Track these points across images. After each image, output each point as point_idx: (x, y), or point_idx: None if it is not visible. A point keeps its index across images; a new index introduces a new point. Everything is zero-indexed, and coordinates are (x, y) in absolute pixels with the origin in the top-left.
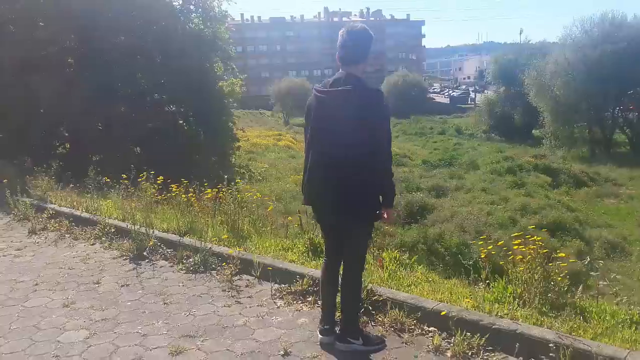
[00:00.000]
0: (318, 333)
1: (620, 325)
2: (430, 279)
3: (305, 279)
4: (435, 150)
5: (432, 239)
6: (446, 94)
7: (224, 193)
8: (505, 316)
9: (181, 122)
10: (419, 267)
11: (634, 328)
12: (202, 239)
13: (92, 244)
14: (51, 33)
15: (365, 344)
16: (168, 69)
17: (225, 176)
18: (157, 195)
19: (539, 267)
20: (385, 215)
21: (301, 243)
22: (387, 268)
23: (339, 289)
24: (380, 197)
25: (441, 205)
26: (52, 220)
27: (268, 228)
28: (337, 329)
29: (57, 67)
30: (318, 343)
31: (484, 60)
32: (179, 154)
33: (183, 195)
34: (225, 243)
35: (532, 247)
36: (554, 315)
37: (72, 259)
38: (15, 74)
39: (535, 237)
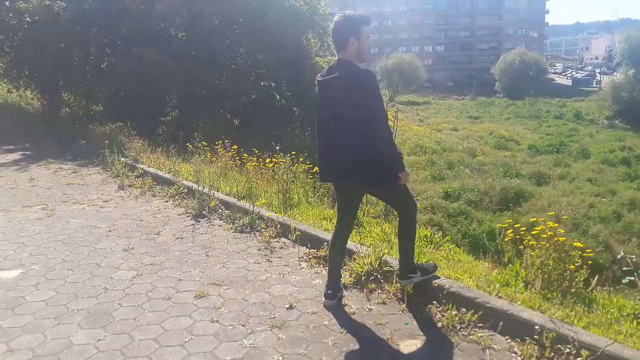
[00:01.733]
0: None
1: (623, 319)
2: (455, 259)
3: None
4: (547, 136)
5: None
6: (569, 75)
7: (277, 163)
8: (505, 297)
9: (276, 95)
10: (449, 246)
11: (635, 322)
12: (254, 203)
13: (165, 201)
14: (166, 10)
15: (422, 274)
16: (265, 44)
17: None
18: (230, 162)
19: (553, 254)
20: (400, 178)
21: None
22: None
23: (345, 257)
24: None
25: (540, 194)
26: (140, 178)
27: (316, 198)
28: (339, 294)
29: (167, 41)
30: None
31: (615, 39)
32: (272, 125)
33: (248, 164)
34: (274, 209)
35: (549, 233)
36: (559, 302)
37: (144, 212)
38: (131, 46)
39: (551, 223)
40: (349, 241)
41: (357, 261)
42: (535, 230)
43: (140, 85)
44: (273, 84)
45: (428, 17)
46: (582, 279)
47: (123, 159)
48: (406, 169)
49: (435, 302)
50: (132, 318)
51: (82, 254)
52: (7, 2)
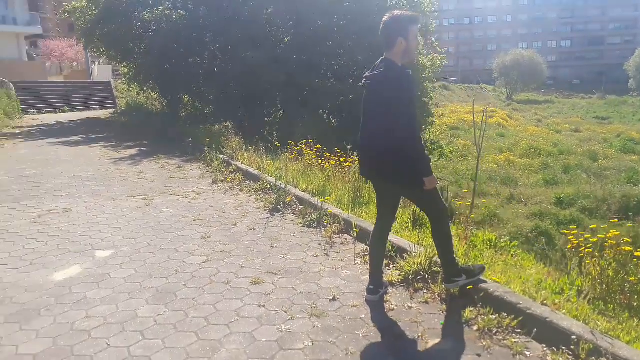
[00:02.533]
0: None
1: None
2: (518, 264)
3: (387, 244)
4: None
5: None
6: None
7: (349, 162)
8: (551, 305)
9: None
10: (515, 251)
11: None
12: (324, 200)
13: (250, 196)
14: (273, 15)
15: (468, 277)
16: (365, 45)
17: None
18: (313, 160)
19: (613, 263)
20: (426, 183)
21: (407, 214)
22: (471, 245)
23: (384, 253)
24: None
25: None
26: (233, 174)
27: None
28: (381, 290)
29: (272, 45)
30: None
31: None
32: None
33: (326, 163)
34: (342, 206)
35: (611, 242)
36: (612, 314)
37: (229, 205)
38: (240, 50)
39: (615, 231)
40: (403, 240)
41: (407, 260)
42: (596, 238)
43: (245, 88)
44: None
45: (552, 10)
46: None
47: (221, 156)
48: (433, 174)
49: (477, 304)
50: (191, 298)
51: (166, 240)
52: (135, 13)
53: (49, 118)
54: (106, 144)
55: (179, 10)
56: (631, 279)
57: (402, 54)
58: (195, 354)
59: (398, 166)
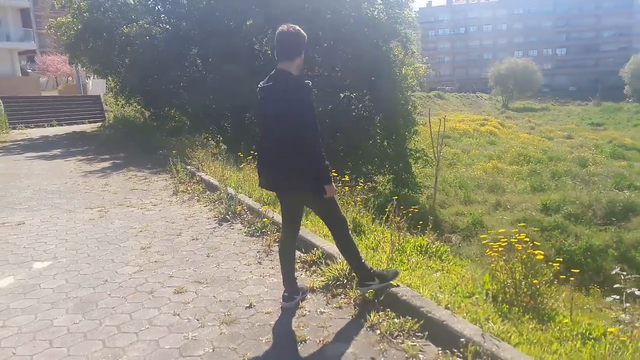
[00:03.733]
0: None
1: (572, 339)
2: (444, 269)
3: (318, 250)
4: None
5: (628, 245)
6: None
7: None
8: (456, 309)
9: (354, 106)
10: (446, 257)
11: (579, 343)
12: (270, 208)
13: (205, 206)
14: (252, 28)
15: (380, 282)
16: (341, 56)
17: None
18: None
19: (519, 266)
20: (326, 191)
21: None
22: (398, 252)
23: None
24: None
25: None
26: (195, 185)
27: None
28: (297, 297)
29: (252, 57)
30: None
31: None
32: (349, 135)
33: None
34: None
35: (518, 246)
36: (512, 317)
37: (180, 215)
38: (219, 62)
39: (522, 235)
40: (333, 246)
41: (330, 266)
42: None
43: (224, 100)
44: (351, 94)
45: (547, 19)
46: (550, 294)
47: (188, 167)
48: (332, 183)
49: (386, 309)
50: (111, 307)
51: (106, 251)
52: (119, 28)
53: (36, 132)
54: (82, 158)
55: (160, 25)
56: (535, 281)
57: (296, 67)
58: (96, 359)
59: (300, 175)
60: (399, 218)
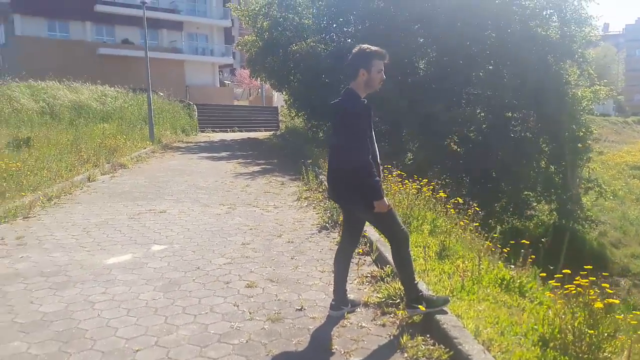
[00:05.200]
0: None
1: None
2: (521, 306)
3: (389, 268)
4: None
5: None
6: None
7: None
8: (493, 346)
9: (515, 127)
10: (531, 294)
11: None
12: None
13: (317, 213)
14: (419, 43)
15: (429, 306)
16: (502, 73)
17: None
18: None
19: (581, 313)
20: (375, 206)
21: (435, 244)
22: (473, 282)
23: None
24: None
25: None
26: (318, 193)
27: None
28: (345, 308)
29: (413, 70)
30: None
31: None
32: (506, 157)
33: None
34: None
35: (579, 290)
36: None
37: (290, 219)
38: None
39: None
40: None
41: (390, 284)
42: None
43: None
44: (513, 114)
45: None
46: (612, 350)
47: (321, 176)
48: (383, 198)
49: (425, 334)
50: (189, 290)
51: (213, 242)
52: (291, 46)
53: (218, 136)
54: (242, 161)
55: (326, 43)
56: (591, 331)
57: (364, 84)
58: (152, 331)
59: (349, 189)
60: (489, 243)
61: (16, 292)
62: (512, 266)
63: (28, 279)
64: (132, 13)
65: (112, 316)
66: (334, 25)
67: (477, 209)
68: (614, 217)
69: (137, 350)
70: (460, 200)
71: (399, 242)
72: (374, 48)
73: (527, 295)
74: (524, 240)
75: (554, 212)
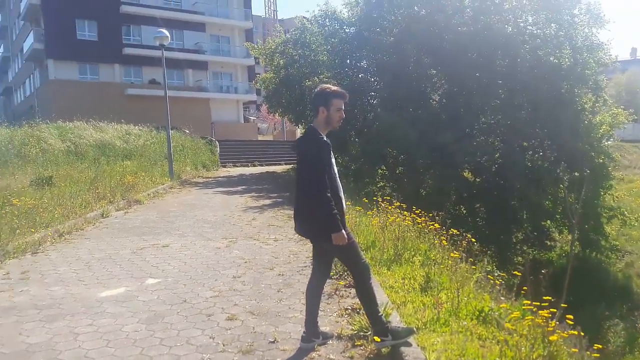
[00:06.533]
0: None
1: None
2: (497, 338)
3: None
4: None
5: None
6: None
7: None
8: None
9: (531, 156)
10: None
11: None
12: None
13: None
14: (430, 74)
15: (394, 338)
16: (512, 103)
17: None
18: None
19: (538, 345)
20: (333, 239)
21: (420, 276)
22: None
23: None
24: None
25: None
26: None
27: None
28: (316, 340)
29: (426, 101)
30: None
31: None
32: (522, 186)
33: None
34: (377, 260)
35: (538, 320)
36: None
37: (287, 252)
38: (383, 113)
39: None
40: (385, 297)
41: (362, 315)
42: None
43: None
44: (526, 143)
45: None
46: None
47: None
48: (342, 230)
49: None
50: (170, 323)
51: (206, 276)
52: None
53: (237, 171)
54: (255, 195)
55: (339, 78)
56: None
57: (324, 122)
58: None
59: (311, 222)
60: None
61: (7, 324)
62: (502, 298)
63: (22, 311)
64: (158, 54)
65: (92, 347)
66: (347, 60)
67: (474, 240)
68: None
69: None
70: (456, 232)
71: (360, 274)
72: (333, 88)
73: (505, 327)
74: (516, 272)
75: (577, 242)
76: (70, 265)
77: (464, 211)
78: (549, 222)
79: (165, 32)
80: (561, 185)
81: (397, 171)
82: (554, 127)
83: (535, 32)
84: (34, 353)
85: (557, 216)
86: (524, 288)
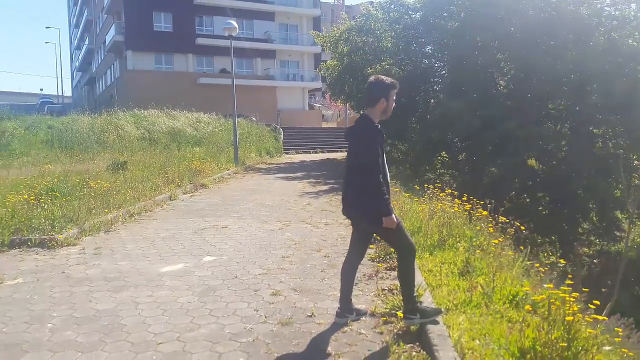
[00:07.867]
0: None
1: None
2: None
3: None
4: None
5: None
6: None
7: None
8: (467, 354)
9: (602, 143)
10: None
11: None
12: None
13: None
14: (496, 59)
15: (422, 317)
16: (586, 89)
17: None
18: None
19: (558, 327)
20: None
21: (460, 261)
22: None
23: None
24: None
25: None
26: None
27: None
28: (350, 316)
29: (492, 87)
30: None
31: None
32: (590, 175)
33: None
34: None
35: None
36: None
37: (336, 235)
38: (445, 99)
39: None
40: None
41: (396, 295)
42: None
43: (443, 133)
44: (597, 130)
45: None
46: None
47: None
48: (392, 214)
49: (415, 342)
50: (220, 296)
51: (258, 255)
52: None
53: (299, 157)
54: (313, 180)
55: (401, 66)
56: (562, 344)
57: (381, 112)
58: (178, 328)
59: (362, 206)
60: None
61: (80, 292)
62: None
63: (93, 282)
64: (228, 44)
65: (150, 315)
66: (412, 46)
67: (523, 228)
68: None
69: (160, 343)
70: (506, 220)
71: (405, 253)
72: (391, 79)
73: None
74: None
75: None
76: (137, 243)
77: (528, 200)
78: (619, 212)
79: (234, 23)
80: (635, 175)
81: (459, 158)
82: (628, 113)
83: (612, 13)
84: (100, 318)
85: (629, 207)
86: (570, 277)
